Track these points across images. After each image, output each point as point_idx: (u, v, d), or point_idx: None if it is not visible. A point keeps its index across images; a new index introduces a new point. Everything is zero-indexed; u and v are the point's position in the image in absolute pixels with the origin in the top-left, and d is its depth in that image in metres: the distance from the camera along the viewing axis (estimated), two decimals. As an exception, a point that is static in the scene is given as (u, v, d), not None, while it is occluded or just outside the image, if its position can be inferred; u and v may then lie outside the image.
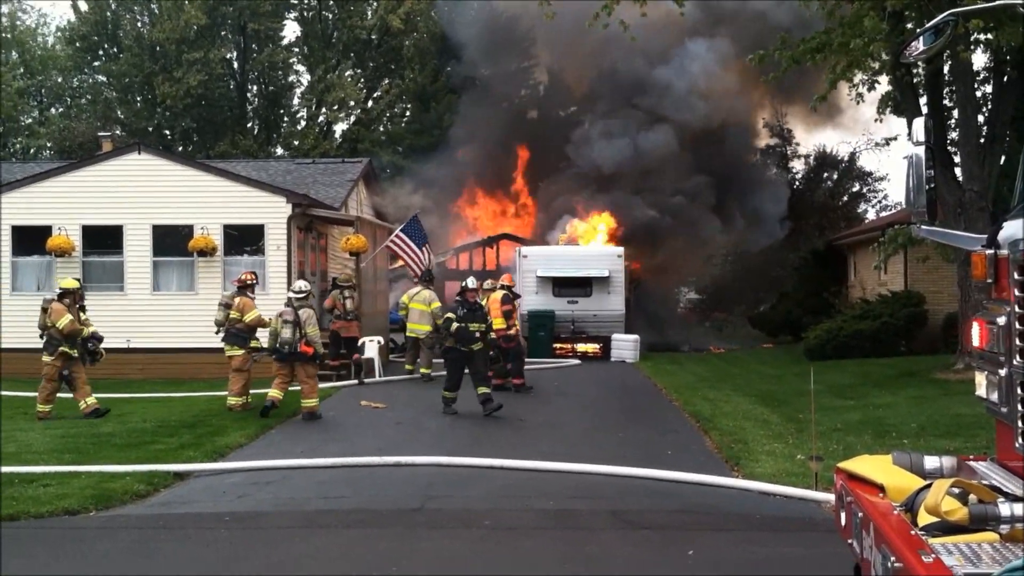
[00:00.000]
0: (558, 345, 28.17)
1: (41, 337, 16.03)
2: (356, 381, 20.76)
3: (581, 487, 10.40)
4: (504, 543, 8.28)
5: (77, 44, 51.64)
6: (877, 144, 38.43)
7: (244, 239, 23.80)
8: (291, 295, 16.24)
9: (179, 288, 23.32)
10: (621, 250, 30.50)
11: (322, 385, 17.25)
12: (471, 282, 17.36)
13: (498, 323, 19.13)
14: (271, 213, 23.03)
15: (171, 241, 23.24)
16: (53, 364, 15.72)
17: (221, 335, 16.86)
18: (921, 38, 2.45)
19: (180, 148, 49.21)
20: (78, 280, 17.15)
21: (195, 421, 15.32)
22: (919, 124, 4.75)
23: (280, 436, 14.47)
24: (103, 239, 23.44)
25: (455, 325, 16.25)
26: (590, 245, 33.71)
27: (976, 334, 4.55)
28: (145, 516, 9.55)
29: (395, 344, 27.11)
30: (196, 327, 22.33)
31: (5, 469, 10.98)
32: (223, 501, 10.12)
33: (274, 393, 15.80)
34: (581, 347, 28.46)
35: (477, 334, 16.41)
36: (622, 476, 10.78)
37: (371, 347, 22.24)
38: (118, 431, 14.34)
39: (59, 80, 54.76)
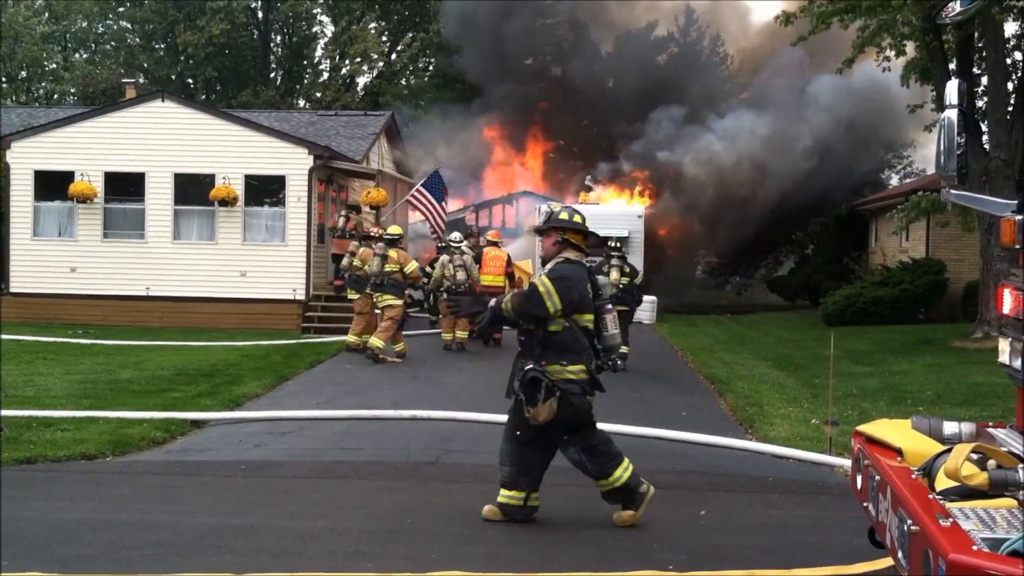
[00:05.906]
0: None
1: (357, 281, 18.20)
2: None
3: (596, 445, 10.39)
4: (518, 498, 8.29)
5: (102, -11, 51.53)
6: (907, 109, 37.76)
7: (265, 190, 23.83)
8: (453, 246, 19.28)
9: (199, 237, 23.35)
10: (642, 210, 30.31)
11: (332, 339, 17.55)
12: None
13: (499, 280, 19.77)
14: (293, 164, 23.01)
15: (193, 190, 23.27)
16: (402, 307, 17.63)
17: (375, 282, 17.45)
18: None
19: (202, 97, 49.15)
20: (399, 227, 19.35)
21: (212, 370, 15.43)
22: (952, 87, 4.69)
23: (296, 387, 14.56)
24: (125, 186, 23.49)
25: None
26: (610, 204, 33.49)
27: (1007, 300, 4.50)
28: (162, 462, 9.64)
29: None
30: (216, 276, 22.54)
31: (24, 413, 11.09)
32: (239, 450, 10.20)
33: (461, 334, 18.84)
34: None
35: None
36: (636, 436, 10.78)
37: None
38: (136, 378, 14.46)
39: (84, 25, 54.66)
